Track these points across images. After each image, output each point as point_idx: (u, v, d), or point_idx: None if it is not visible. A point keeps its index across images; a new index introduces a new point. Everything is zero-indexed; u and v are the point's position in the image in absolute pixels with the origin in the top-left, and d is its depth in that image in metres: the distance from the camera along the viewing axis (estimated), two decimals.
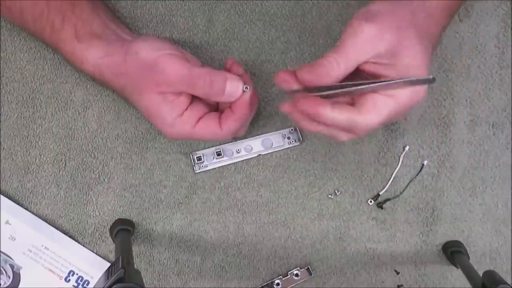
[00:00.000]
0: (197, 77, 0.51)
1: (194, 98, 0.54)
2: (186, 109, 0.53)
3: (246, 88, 0.52)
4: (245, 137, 0.61)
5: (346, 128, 0.47)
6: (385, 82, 0.44)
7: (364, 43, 0.45)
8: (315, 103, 0.46)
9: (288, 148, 0.62)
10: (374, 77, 0.48)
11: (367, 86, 0.45)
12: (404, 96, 0.46)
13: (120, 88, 0.54)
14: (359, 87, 0.45)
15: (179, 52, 0.54)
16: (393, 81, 0.44)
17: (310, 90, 0.46)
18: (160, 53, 0.52)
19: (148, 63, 0.52)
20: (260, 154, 0.61)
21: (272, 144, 0.61)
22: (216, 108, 0.56)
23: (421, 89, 0.47)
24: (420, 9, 0.48)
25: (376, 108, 0.46)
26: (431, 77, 0.43)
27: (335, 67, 0.45)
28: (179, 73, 0.51)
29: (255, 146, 0.61)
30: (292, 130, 0.62)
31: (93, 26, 0.55)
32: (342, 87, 0.46)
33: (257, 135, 0.62)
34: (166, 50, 0.53)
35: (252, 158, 0.61)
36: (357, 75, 0.48)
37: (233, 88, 0.52)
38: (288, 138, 0.61)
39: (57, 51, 0.56)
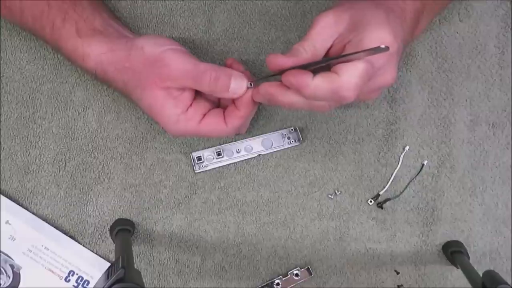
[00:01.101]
0: (202, 73, 0.51)
1: (197, 95, 0.54)
2: (190, 105, 0.53)
3: (251, 85, 0.52)
4: (245, 137, 0.61)
5: (329, 94, 0.47)
6: (345, 57, 0.46)
7: (325, 28, 0.49)
8: (299, 73, 0.47)
9: (288, 148, 0.62)
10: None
11: (331, 61, 0.47)
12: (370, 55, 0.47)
13: (122, 85, 0.54)
14: (323, 63, 0.47)
15: (183, 48, 0.54)
16: (351, 54, 0.46)
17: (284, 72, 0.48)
18: (165, 48, 0.52)
19: (153, 58, 0.52)
20: (260, 154, 0.61)
21: (272, 144, 0.61)
22: (218, 105, 0.56)
23: (387, 44, 0.46)
24: None
25: (350, 68, 0.46)
26: (383, 46, 0.44)
27: (303, 53, 0.48)
28: (184, 68, 0.51)
29: (255, 146, 0.61)
30: (292, 130, 0.62)
31: (95, 23, 0.54)
32: (310, 65, 0.48)
33: (257, 135, 0.62)
34: (171, 45, 0.53)
35: (252, 158, 0.61)
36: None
37: (238, 85, 0.52)
38: (288, 138, 0.61)
39: (58, 49, 0.56)
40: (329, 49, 0.50)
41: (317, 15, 0.50)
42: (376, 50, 0.44)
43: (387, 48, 0.44)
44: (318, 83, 0.46)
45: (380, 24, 0.48)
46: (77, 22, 0.54)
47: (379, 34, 0.47)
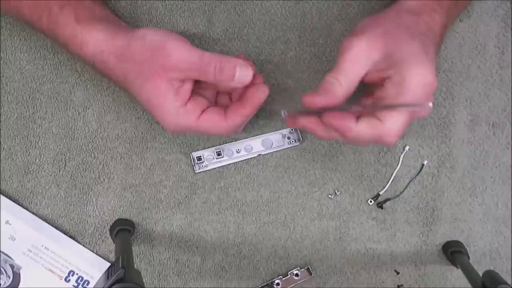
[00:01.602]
0: (207, 63, 0.50)
1: (193, 92, 0.53)
2: (189, 99, 0.52)
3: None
4: (245, 137, 0.61)
5: (371, 139, 0.48)
6: (384, 105, 0.47)
7: (358, 56, 0.48)
8: (342, 117, 0.47)
9: (288, 148, 0.62)
10: (380, 87, 0.49)
11: (368, 107, 0.47)
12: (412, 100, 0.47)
13: (121, 75, 0.52)
14: (365, 110, 0.47)
15: (184, 38, 0.53)
16: (395, 105, 0.46)
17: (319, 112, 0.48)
18: (167, 38, 0.51)
19: (155, 48, 0.51)
20: (260, 154, 0.61)
21: (272, 144, 0.61)
22: (215, 104, 0.56)
23: (429, 85, 0.47)
24: (404, 10, 0.51)
25: (394, 117, 0.47)
26: (430, 104, 0.44)
27: (338, 86, 0.48)
28: (188, 58, 0.50)
29: (255, 146, 0.61)
30: (292, 130, 0.62)
31: (95, 11, 0.54)
32: (350, 108, 0.47)
33: (257, 135, 0.61)
34: (172, 35, 0.52)
35: (252, 158, 0.61)
36: (368, 90, 0.50)
37: (243, 73, 0.51)
38: (288, 138, 0.61)
39: (55, 38, 0.54)
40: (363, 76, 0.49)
41: (347, 40, 0.49)
42: (419, 106, 0.45)
43: (430, 108, 0.44)
44: (362, 129, 0.47)
45: (421, 62, 0.47)
46: (76, 8, 0.53)
47: (422, 73, 0.47)
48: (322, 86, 0.48)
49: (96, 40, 0.52)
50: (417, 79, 0.47)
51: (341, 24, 0.62)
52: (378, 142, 0.48)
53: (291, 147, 0.62)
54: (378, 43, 0.48)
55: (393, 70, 0.48)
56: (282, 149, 0.62)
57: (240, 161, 0.61)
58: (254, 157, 0.61)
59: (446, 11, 0.53)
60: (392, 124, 0.47)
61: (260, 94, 0.52)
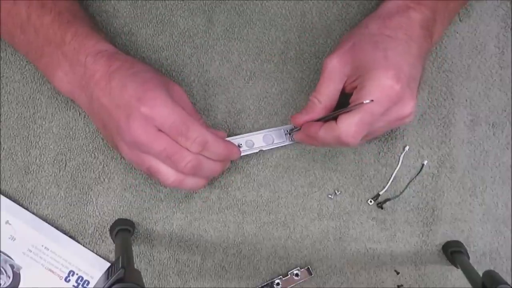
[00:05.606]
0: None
1: None
2: None
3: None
4: (246, 132, 0.61)
5: (334, 141, 0.53)
6: (338, 111, 0.53)
7: (332, 74, 0.54)
8: (310, 126, 0.55)
9: (289, 145, 0.61)
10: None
11: (336, 114, 0.53)
12: (365, 103, 0.51)
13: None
14: (330, 117, 0.54)
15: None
16: (343, 110, 0.52)
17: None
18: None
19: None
20: (261, 150, 0.61)
21: (274, 140, 0.61)
22: None
23: (387, 87, 0.51)
24: (375, 17, 0.55)
25: (346, 118, 0.52)
26: (367, 101, 0.50)
27: (318, 104, 0.55)
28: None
29: (256, 141, 0.61)
30: (294, 127, 0.61)
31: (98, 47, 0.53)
32: (323, 118, 0.55)
33: (258, 130, 0.61)
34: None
35: (252, 154, 0.61)
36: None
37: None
38: (290, 134, 0.61)
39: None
40: (343, 89, 0.55)
41: (324, 60, 0.54)
42: (359, 105, 0.50)
43: (371, 101, 0.50)
44: (322, 134, 0.53)
45: (378, 67, 0.51)
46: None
47: (377, 77, 0.51)
48: (307, 105, 0.56)
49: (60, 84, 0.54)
50: (373, 83, 0.51)
51: (341, 24, 0.62)
52: (340, 143, 0.53)
53: (292, 143, 0.61)
54: (346, 57, 0.53)
55: (359, 80, 0.52)
56: (283, 146, 0.61)
57: (241, 156, 0.60)
58: (255, 152, 0.60)
59: (428, 6, 0.55)
60: (346, 125, 0.51)
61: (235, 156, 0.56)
